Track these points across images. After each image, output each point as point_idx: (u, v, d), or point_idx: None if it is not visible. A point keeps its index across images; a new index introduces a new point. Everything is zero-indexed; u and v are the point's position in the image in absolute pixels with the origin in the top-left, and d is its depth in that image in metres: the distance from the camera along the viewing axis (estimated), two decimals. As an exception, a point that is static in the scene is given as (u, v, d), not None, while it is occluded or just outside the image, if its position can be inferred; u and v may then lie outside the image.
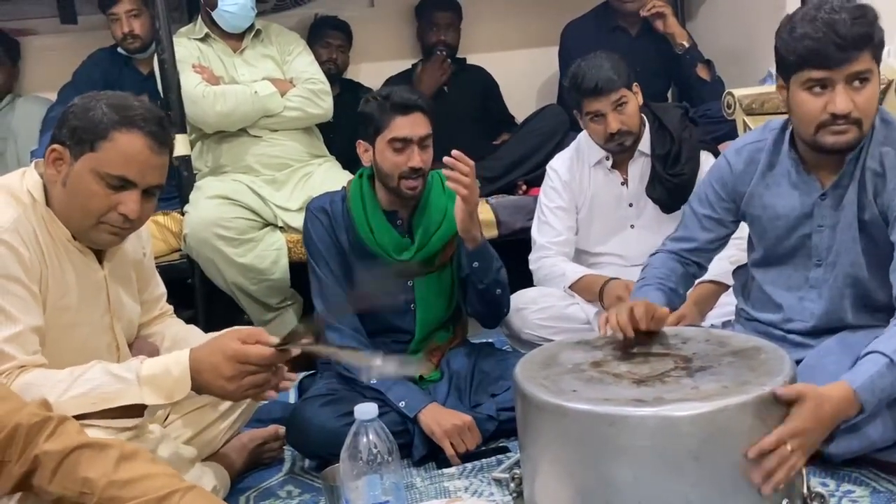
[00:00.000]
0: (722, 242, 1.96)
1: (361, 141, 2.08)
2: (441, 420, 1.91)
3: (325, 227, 2.09)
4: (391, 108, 2.01)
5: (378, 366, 1.42)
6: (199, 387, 1.44)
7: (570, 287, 2.42)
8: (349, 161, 3.01)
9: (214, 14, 2.92)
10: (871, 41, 1.60)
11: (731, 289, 2.14)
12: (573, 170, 2.50)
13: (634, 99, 2.37)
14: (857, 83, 1.61)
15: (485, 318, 2.23)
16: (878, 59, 1.62)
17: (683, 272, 1.94)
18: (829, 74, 1.61)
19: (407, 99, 2.02)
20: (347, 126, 3.29)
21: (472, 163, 1.96)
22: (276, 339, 1.45)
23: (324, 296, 2.09)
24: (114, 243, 1.61)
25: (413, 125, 2.01)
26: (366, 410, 1.42)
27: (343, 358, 1.45)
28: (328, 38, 3.42)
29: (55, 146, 1.52)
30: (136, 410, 1.43)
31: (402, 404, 1.93)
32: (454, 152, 1.95)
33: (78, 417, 1.35)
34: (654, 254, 1.99)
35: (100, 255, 1.64)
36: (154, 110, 1.56)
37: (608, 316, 1.63)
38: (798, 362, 1.61)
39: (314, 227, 2.10)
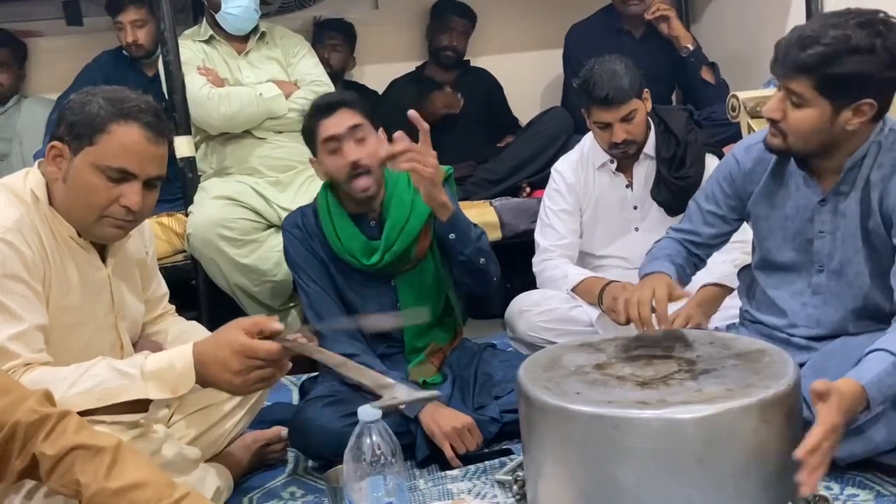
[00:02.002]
0: (724, 239, 1.97)
1: (311, 158, 2.10)
2: (441, 421, 1.91)
3: (301, 242, 2.10)
4: (316, 114, 2.04)
5: (389, 387, 1.39)
6: (204, 381, 1.44)
7: (571, 290, 2.41)
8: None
9: (218, 16, 2.92)
10: (811, 70, 1.58)
11: (734, 291, 2.14)
12: (578, 172, 2.49)
13: (643, 108, 2.35)
14: (794, 100, 1.63)
15: (474, 291, 2.18)
16: (828, 91, 1.58)
17: (688, 256, 1.96)
18: (779, 80, 1.65)
19: (329, 100, 2.05)
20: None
21: (406, 144, 1.87)
22: (280, 325, 1.45)
23: (315, 308, 2.08)
24: (118, 237, 1.61)
25: (338, 122, 2.01)
26: (370, 412, 1.42)
27: (353, 375, 1.43)
28: (323, 40, 3.42)
29: (54, 143, 1.52)
30: (141, 405, 1.43)
31: (402, 406, 1.93)
32: (396, 135, 1.89)
33: (83, 413, 1.35)
34: (658, 240, 2.01)
35: (103, 254, 1.64)
36: (150, 101, 1.56)
37: (629, 309, 1.62)
38: (802, 365, 1.61)
39: (291, 243, 2.11)
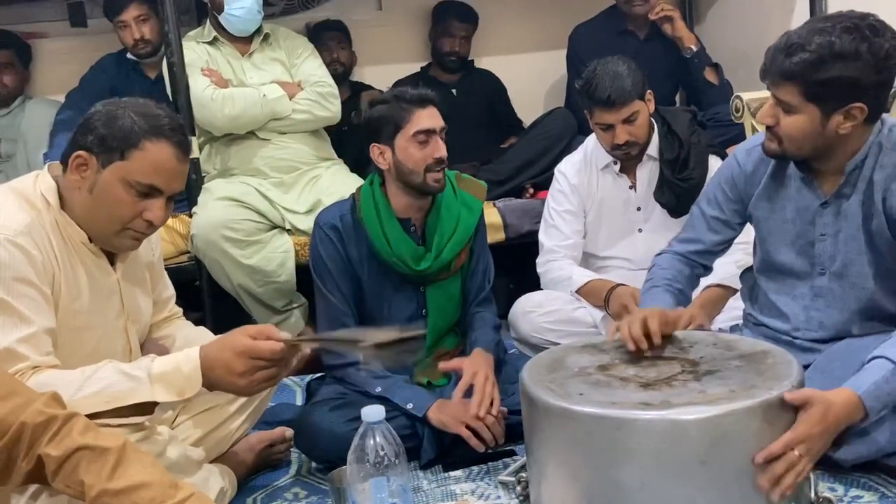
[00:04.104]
0: (727, 245, 1.96)
1: (376, 144, 2.04)
2: (451, 409, 1.91)
3: (335, 245, 2.05)
4: (409, 103, 2.01)
5: (370, 337, 1.41)
6: (210, 383, 1.45)
7: (576, 291, 2.41)
8: (358, 164, 3.02)
9: (221, 18, 2.93)
10: (796, 77, 1.58)
11: (738, 293, 2.14)
12: (581, 173, 2.49)
13: (646, 110, 2.34)
14: (783, 106, 1.63)
15: None
16: (815, 97, 1.58)
17: (690, 273, 1.94)
18: (769, 88, 1.66)
19: (422, 93, 2.04)
20: (356, 129, 3.30)
21: None
22: (286, 335, 1.46)
23: (330, 316, 2.06)
24: (134, 248, 1.64)
25: (433, 117, 2.02)
26: (373, 413, 1.42)
27: (342, 347, 1.46)
28: (327, 41, 3.41)
29: (80, 153, 1.52)
30: (147, 408, 1.44)
31: (409, 406, 1.93)
32: None
33: (90, 416, 1.36)
34: (659, 254, 1.99)
35: (112, 258, 1.65)
36: (177, 118, 1.59)
37: (620, 326, 1.62)
38: (806, 367, 1.61)
39: (325, 246, 2.06)
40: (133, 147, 1.51)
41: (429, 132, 2.00)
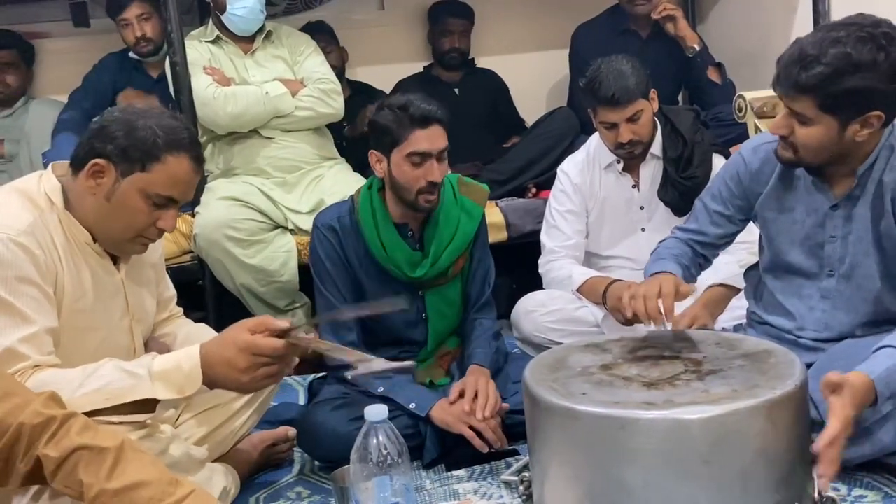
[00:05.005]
0: (730, 240, 1.96)
1: (374, 151, 2.02)
2: (454, 409, 1.91)
3: (333, 246, 2.04)
4: (410, 120, 1.93)
5: (368, 361, 1.42)
6: (211, 381, 1.45)
7: (576, 290, 2.41)
8: (361, 163, 3.03)
9: (223, 17, 2.93)
10: (812, 91, 1.57)
11: (741, 292, 2.13)
12: (584, 173, 2.49)
13: (650, 108, 2.34)
14: (798, 118, 1.62)
15: None
16: (832, 108, 1.58)
17: (693, 256, 1.95)
18: (781, 98, 1.65)
19: (426, 111, 1.94)
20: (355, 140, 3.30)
21: None
22: (285, 323, 1.46)
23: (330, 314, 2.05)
24: (142, 252, 1.66)
25: (432, 139, 1.95)
26: (376, 412, 1.42)
27: (340, 355, 1.47)
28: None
29: (99, 161, 1.53)
30: (148, 406, 1.44)
31: (412, 405, 1.93)
32: None
33: (91, 414, 1.36)
34: (663, 240, 2.01)
35: (115, 258, 1.65)
36: (192, 129, 1.62)
37: (634, 304, 1.63)
38: (808, 366, 1.61)
39: (322, 246, 2.05)
40: (155, 160, 1.53)
41: (424, 155, 1.94)
